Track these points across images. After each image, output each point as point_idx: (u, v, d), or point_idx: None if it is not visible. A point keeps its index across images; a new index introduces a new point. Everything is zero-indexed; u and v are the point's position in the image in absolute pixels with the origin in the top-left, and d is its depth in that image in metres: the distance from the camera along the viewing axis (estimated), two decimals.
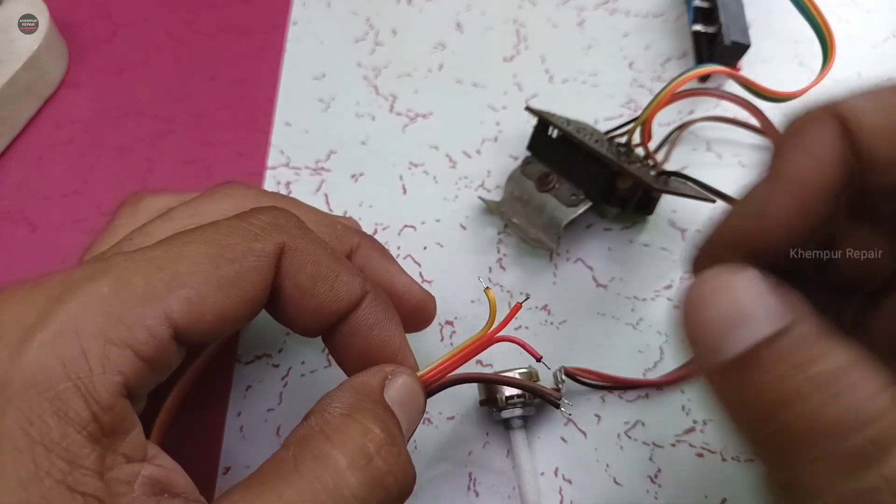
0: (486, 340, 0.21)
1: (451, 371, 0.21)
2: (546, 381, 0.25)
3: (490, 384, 0.25)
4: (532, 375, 0.25)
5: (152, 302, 0.16)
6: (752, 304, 0.14)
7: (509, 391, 0.24)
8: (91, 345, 0.15)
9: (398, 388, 0.19)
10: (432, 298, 0.25)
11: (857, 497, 0.11)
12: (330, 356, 0.28)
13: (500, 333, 0.21)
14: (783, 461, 0.13)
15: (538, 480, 0.25)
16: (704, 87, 0.34)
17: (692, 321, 0.14)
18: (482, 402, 0.25)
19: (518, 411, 0.25)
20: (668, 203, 0.30)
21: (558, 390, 0.23)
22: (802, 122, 0.15)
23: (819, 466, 0.12)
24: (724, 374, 0.14)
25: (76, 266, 0.17)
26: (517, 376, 0.24)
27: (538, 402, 0.25)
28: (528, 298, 0.28)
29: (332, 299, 0.19)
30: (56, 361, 0.15)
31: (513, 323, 0.28)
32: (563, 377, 0.25)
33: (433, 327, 0.28)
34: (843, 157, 0.14)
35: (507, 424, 0.25)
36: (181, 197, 0.23)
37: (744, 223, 0.16)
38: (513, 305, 0.21)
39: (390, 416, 0.18)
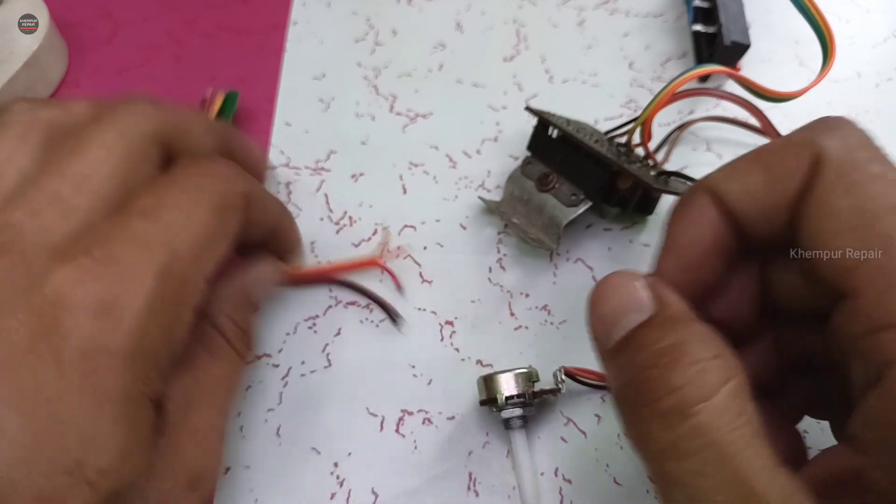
0: (361, 262, 0.29)
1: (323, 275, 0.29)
2: (546, 380, 0.25)
3: (487, 382, 0.25)
4: (532, 375, 0.25)
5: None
6: (632, 299, 0.17)
7: (509, 391, 0.24)
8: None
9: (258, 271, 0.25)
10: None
11: (675, 442, 0.14)
12: (330, 356, 0.28)
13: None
14: (636, 422, 0.16)
15: (538, 480, 0.25)
16: (704, 88, 0.34)
17: (592, 315, 0.17)
18: (482, 402, 0.25)
19: (518, 411, 0.24)
20: (669, 203, 0.30)
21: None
22: (685, 198, 0.19)
23: (652, 422, 0.15)
24: (610, 357, 0.17)
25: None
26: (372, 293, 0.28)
27: (538, 402, 0.25)
28: (407, 257, 0.28)
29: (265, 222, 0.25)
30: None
31: (512, 322, 0.28)
32: (563, 377, 0.25)
33: (433, 327, 0.28)
34: (717, 222, 0.18)
35: (507, 424, 0.25)
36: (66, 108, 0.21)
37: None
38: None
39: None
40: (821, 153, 0.16)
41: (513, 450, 0.25)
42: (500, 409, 0.25)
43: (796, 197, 0.17)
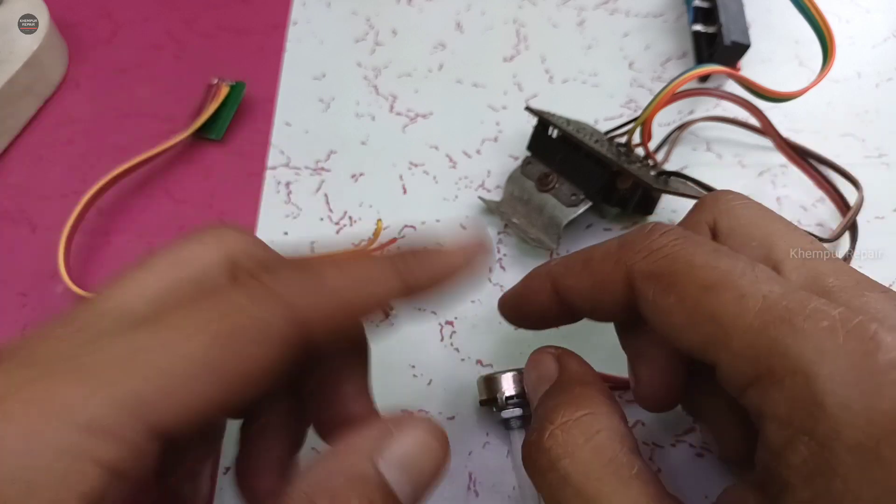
0: (351, 254, 0.28)
1: None
2: None
3: (487, 382, 0.25)
4: None
5: (123, 407, 0.13)
6: (544, 370, 0.21)
7: (509, 391, 0.24)
8: (44, 471, 0.12)
9: (405, 446, 0.16)
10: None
11: (551, 494, 0.17)
12: None
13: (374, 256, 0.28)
14: (531, 477, 0.18)
15: None
16: (704, 88, 0.34)
17: (525, 381, 0.23)
18: (482, 402, 0.25)
19: (518, 411, 0.24)
20: (668, 203, 0.30)
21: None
22: (534, 272, 0.22)
23: (535, 477, 0.18)
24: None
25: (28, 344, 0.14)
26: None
27: None
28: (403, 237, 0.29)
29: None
30: None
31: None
32: None
33: (433, 327, 0.28)
34: (550, 300, 0.21)
35: (506, 424, 0.25)
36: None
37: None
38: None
39: (377, 498, 0.15)
40: (630, 269, 0.18)
41: (512, 450, 0.25)
42: (500, 408, 0.24)
43: (621, 301, 0.19)
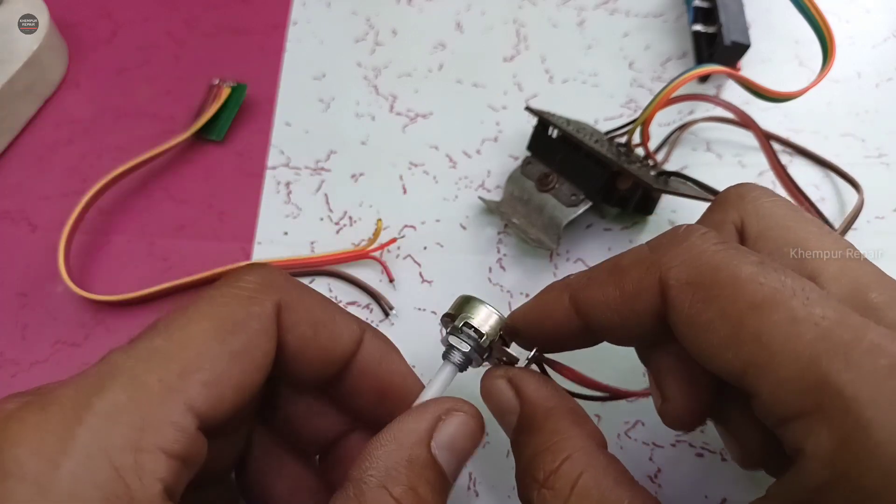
0: (358, 253, 0.29)
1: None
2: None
3: (463, 302, 0.21)
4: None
5: (172, 397, 0.15)
6: (502, 401, 0.20)
7: (476, 323, 0.20)
8: (122, 460, 0.14)
9: (451, 430, 0.18)
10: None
11: (545, 499, 0.17)
12: None
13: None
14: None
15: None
16: (701, 93, 0.34)
17: (486, 406, 0.21)
18: (444, 315, 0.22)
19: (465, 347, 0.21)
20: (668, 203, 0.30)
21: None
22: (550, 287, 0.20)
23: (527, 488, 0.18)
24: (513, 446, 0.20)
25: (78, 375, 0.15)
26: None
27: (491, 359, 0.22)
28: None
29: (335, 343, 0.19)
30: (91, 489, 0.14)
31: None
32: (532, 361, 0.22)
33: (433, 327, 0.28)
34: (569, 318, 0.19)
35: (446, 353, 0.21)
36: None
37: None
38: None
39: (431, 476, 0.17)
40: (665, 276, 0.17)
41: (432, 379, 0.21)
42: (453, 332, 0.21)
43: (653, 315, 0.17)
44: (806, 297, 0.15)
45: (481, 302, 0.21)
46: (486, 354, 0.21)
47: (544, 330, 0.20)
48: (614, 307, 0.18)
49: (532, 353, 0.21)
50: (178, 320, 0.17)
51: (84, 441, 0.14)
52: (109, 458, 0.14)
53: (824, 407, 0.13)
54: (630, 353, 0.21)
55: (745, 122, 0.30)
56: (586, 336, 0.20)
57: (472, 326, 0.20)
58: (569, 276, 0.20)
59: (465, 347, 0.20)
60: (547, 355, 0.22)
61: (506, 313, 0.21)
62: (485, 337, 0.20)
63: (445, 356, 0.21)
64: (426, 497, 0.17)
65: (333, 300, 0.29)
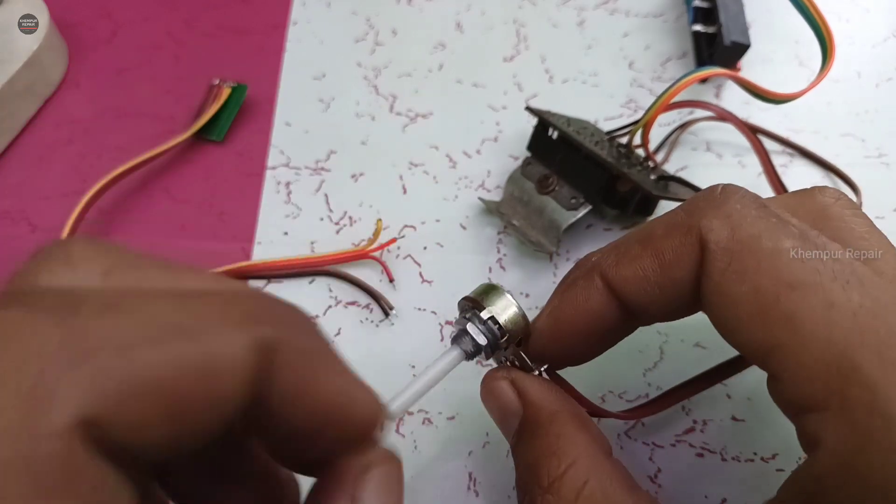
0: (358, 253, 0.29)
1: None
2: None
3: (489, 290, 0.20)
4: (527, 330, 0.21)
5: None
6: (505, 403, 0.19)
7: (500, 316, 0.19)
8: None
9: (372, 492, 0.14)
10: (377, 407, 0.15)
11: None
12: None
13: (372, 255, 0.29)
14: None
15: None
16: (701, 101, 0.33)
17: (488, 411, 0.21)
18: (464, 298, 0.20)
19: (483, 341, 0.19)
20: (668, 204, 0.30)
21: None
22: (577, 276, 0.19)
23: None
24: (513, 450, 0.20)
25: None
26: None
27: (498, 358, 0.21)
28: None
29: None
30: None
31: None
32: (511, 360, 0.21)
33: (433, 327, 0.28)
34: (605, 306, 0.18)
35: (457, 338, 0.20)
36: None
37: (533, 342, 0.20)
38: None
39: None
40: (705, 239, 0.16)
41: (437, 360, 0.20)
42: (470, 319, 0.20)
43: (692, 283, 0.16)
44: (846, 281, 0.14)
45: (510, 298, 0.20)
46: (498, 353, 0.21)
47: (580, 329, 0.19)
48: (654, 280, 0.17)
49: (542, 368, 0.21)
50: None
51: None
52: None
53: (850, 400, 0.13)
54: (635, 343, 0.21)
55: (742, 130, 0.30)
56: (623, 324, 0.19)
57: (498, 323, 0.19)
58: (587, 258, 0.19)
59: (483, 340, 0.20)
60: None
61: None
62: (507, 336, 0.19)
63: (456, 340, 0.20)
64: None
65: (332, 300, 0.29)
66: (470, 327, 0.20)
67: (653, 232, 0.17)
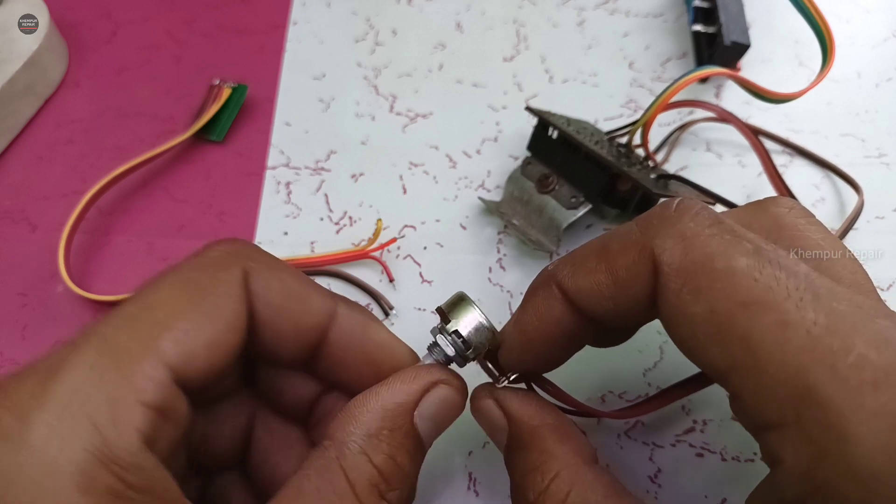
0: (358, 253, 0.29)
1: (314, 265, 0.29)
2: None
3: (458, 301, 0.21)
4: (495, 341, 0.21)
5: (143, 352, 0.15)
6: (492, 420, 0.20)
7: (463, 329, 0.20)
8: (97, 411, 0.14)
9: (436, 402, 0.19)
10: (415, 357, 0.21)
11: None
12: None
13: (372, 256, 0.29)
14: None
15: None
16: (700, 100, 0.33)
17: (478, 423, 0.21)
18: (438, 308, 0.21)
19: (451, 352, 0.20)
20: None
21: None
22: (535, 286, 0.20)
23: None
24: (505, 460, 0.21)
25: (54, 346, 0.16)
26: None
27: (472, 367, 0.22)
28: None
29: (308, 313, 0.19)
30: (66, 440, 0.14)
31: None
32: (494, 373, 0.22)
33: (433, 322, 0.28)
34: (563, 314, 0.19)
35: (431, 346, 0.21)
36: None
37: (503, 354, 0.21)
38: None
39: (411, 446, 0.18)
40: (658, 260, 0.16)
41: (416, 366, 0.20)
42: (439, 331, 0.20)
43: (647, 298, 0.16)
44: (800, 298, 0.14)
45: (476, 309, 0.20)
46: (464, 360, 0.21)
47: (544, 337, 0.19)
48: (608, 295, 0.17)
49: (512, 377, 0.21)
50: (147, 289, 0.17)
51: (58, 397, 0.14)
52: (85, 410, 0.14)
53: (805, 418, 0.13)
54: (634, 343, 0.21)
55: (742, 130, 0.30)
56: (585, 330, 0.19)
57: (462, 336, 0.20)
58: (545, 268, 0.19)
59: (451, 352, 0.20)
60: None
61: (506, 314, 0.21)
62: (471, 350, 0.20)
63: (430, 349, 0.21)
64: (404, 465, 0.18)
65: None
66: (439, 338, 0.20)
67: (608, 245, 0.18)
